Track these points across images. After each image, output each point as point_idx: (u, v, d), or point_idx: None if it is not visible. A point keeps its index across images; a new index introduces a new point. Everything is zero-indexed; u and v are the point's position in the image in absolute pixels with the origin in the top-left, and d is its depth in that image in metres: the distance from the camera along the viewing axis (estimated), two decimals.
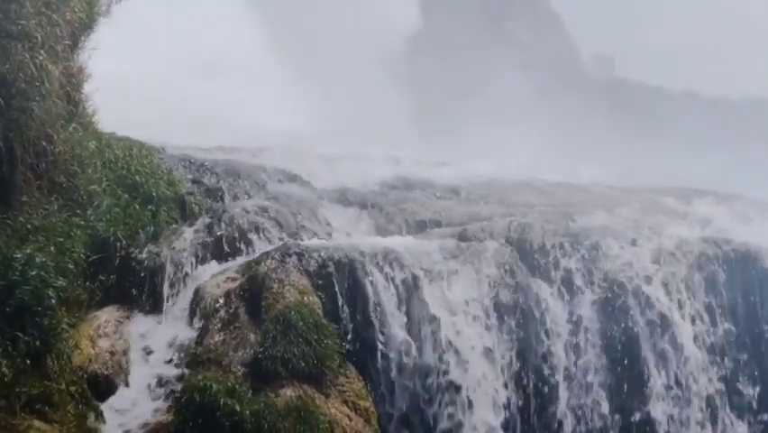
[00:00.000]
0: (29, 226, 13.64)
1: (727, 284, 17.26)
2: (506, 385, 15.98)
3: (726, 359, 17.10)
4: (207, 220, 16.29)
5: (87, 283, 14.54)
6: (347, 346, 14.79)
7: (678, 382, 16.71)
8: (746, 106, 46.83)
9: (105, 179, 15.23)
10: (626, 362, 16.62)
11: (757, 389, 17.24)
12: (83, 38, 15.74)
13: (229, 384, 13.53)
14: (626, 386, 16.59)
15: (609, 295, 16.83)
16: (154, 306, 15.23)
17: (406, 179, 20.04)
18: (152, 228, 15.39)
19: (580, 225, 17.85)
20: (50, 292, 12.99)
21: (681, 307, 16.89)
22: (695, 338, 16.87)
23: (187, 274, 15.54)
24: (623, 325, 16.67)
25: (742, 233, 18.33)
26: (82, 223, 14.51)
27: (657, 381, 16.57)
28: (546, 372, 16.40)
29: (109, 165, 15.51)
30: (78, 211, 14.58)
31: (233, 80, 30.50)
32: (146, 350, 14.71)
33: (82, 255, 14.28)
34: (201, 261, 15.79)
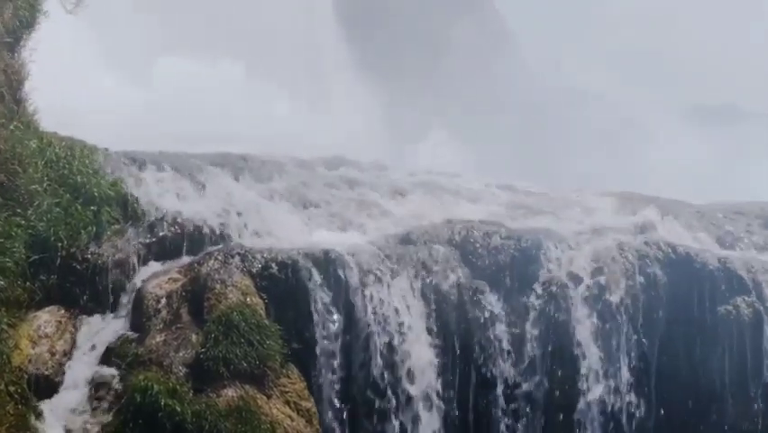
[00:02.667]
0: None
1: (668, 286, 17.39)
2: (446, 386, 16.09)
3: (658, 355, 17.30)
4: (150, 220, 16.20)
5: (28, 283, 14.39)
6: (290, 347, 14.81)
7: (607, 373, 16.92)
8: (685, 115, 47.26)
9: (46, 178, 15.07)
10: (565, 370, 16.80)
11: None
12: (25, 36, 15.66)
13: (170, 385, 13.53)
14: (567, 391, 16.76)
15: (551, 297, 16.91)
16: (96, 306, 15.14)
17: None
18: (94, 228, 15.25)
19: (524, 228, 17.92)
20: None
21: (619, 308, 17.00)
22: (633, 337, 17.05)
23: (129, 275, 15.47)
24: (563, 327, 16.77)
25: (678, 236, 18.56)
26: (23, 222, 14.37)
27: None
28: (488, 375, 16.48)
29: (51, 164, 15.34)
30: (19, 211, 14.43)
31: None
32: (87, 350, 14.64)
33: (23, 255, 14.16)
34: (143, 261, 15.71)
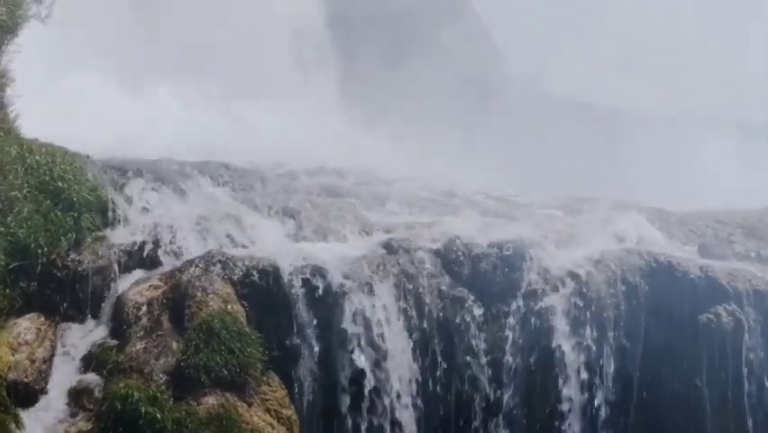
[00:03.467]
0: None
1: (649, 295, 17.41)
2: (427, 397, 16.10)
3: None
4: (131, 227, 16.17)
5: (8, 290, 14.31)
6: (271, 355, 14.78)
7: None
8: (670, 124, 47.21)
9: (26, 184, 15.02)
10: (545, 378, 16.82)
11: None
12: (6, 42, 15.62)
13: (151, 392, 13.51)
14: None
15: (532, 305, 16.92)
16: (76, 313, 15.09)
17: None
18: (74, 235, 15.20)
19: (505, 236, 17.90)
20: None
21: (600, 317, 17.02)
22: (614, 346, 17.06)
23: (109, 282, 15.41)
24: (544, 335, 16.79)
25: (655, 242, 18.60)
26: (2, 229, 14.33)
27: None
28: (470, 385, 16.50)
29: (31, 171, 15.29)
30: None
31: None
32: (67, 357, 14.61)
33: (2, 262, 14.11)
34: (124, 268, 15.66)
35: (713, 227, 20.39)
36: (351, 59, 38.50)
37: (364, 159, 23.96)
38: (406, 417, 15.84)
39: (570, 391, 16.73)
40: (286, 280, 15.57)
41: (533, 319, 16.80)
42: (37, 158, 15.58)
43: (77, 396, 14.16)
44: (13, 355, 13.96)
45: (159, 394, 13.54)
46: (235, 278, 15.35)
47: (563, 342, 16.74)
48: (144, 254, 15.91)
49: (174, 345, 14.39)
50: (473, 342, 16.57)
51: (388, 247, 17.08)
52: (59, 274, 14.98)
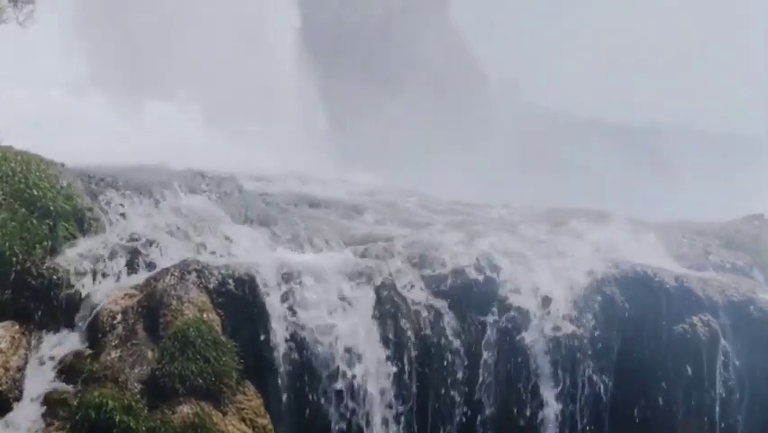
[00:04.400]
0: None
1: (626, 305, 17.44)
2: (403, 407, 16.09)
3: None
4: (106, 235, 16.11)
5: None
6: (246, 363, 14.74)
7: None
8: (646, 133, 47.52)
9: (1, 192, 15.00)
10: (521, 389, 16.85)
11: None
12: None
13: (125, 401, 13.48)
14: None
15: (510, 317, 16.93)
16: (51, 321, 15.01)
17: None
18: (50, 243, 15.17)
19: (483, 246, 17.91)
20: None
21: (577, 326, 17.04)
22: (590, 354, 17.09)
23: (84, 290, 15.36)
24: (521, 349, 16.81)
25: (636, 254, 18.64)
26: None
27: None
28: (447, 394, 16.51)
29: (6, 179, 15.28)
30: None
31: None
32: (42, 366, 14.52)
33: None
34: (99, 277, 15.62)
35: (690, 238, 20.45)
36: (329, 75, 38.63)
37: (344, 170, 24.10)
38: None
39: (547, 400, 16.77)
40: (262, 288, 15.53)
41: (508, 329, 16.82)
42: (12, 165, 15.56)
43: (51, 404, 14.06)
44: None
45: (133, 403, 13.51)
46: (211, 286, 15.32)
47: (539, 352, 16.78)
48: (120, 263, 15.85)
49: (149, 353, 14.34)
50: (447, 351, 16.58)
51: (365, 257, 17.07)
52: (33, 282, 14.92)
